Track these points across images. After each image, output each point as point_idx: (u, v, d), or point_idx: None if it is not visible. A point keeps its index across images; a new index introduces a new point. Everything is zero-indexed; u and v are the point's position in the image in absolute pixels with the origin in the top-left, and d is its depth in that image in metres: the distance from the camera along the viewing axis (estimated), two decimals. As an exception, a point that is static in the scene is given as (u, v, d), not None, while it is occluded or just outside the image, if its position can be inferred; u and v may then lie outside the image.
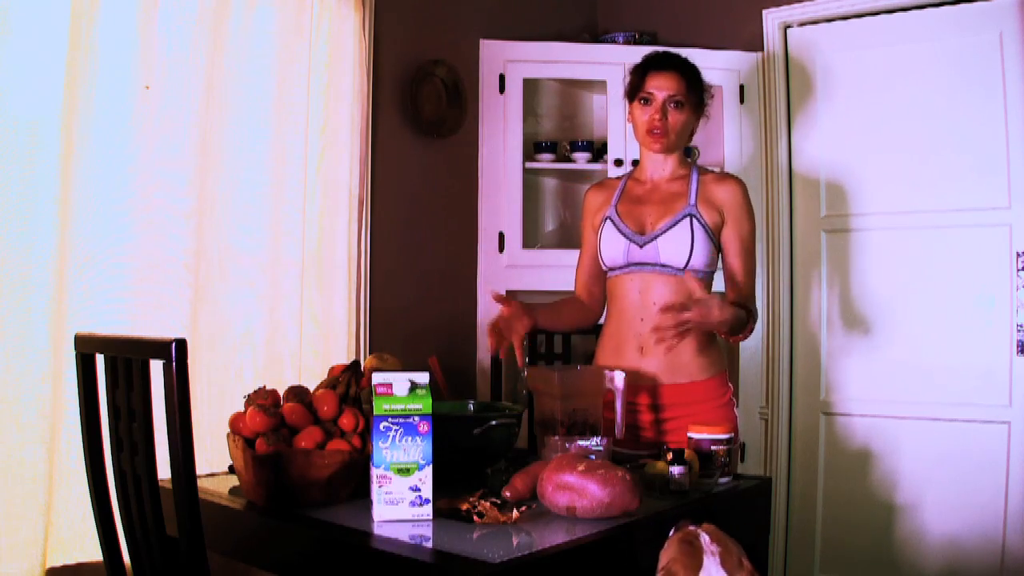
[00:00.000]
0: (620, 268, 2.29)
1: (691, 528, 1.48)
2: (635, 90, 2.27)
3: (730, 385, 2.34)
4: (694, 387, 2.25)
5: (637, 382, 2.25)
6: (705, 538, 1.44)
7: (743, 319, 2.14)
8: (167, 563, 1.62)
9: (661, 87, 2.23)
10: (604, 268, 2.35)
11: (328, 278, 2.75)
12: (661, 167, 2.33)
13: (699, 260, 2.22)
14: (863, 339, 3.26)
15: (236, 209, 2.51)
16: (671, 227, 2.22)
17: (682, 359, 2.24)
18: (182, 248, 2.35)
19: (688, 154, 3.03)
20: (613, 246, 2.29)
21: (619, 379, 2.12)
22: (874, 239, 3.25)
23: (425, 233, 3.16)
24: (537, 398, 2.21)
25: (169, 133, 2.32)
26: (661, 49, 2.36)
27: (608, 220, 2.31)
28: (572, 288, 3.45)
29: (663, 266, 2.23)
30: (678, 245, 2.21)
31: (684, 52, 2.35)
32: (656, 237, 2.23)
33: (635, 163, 3.35)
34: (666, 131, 2.23)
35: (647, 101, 2.24)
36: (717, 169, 2.48)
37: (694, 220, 2.22)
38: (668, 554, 1.45)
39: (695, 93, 2.26)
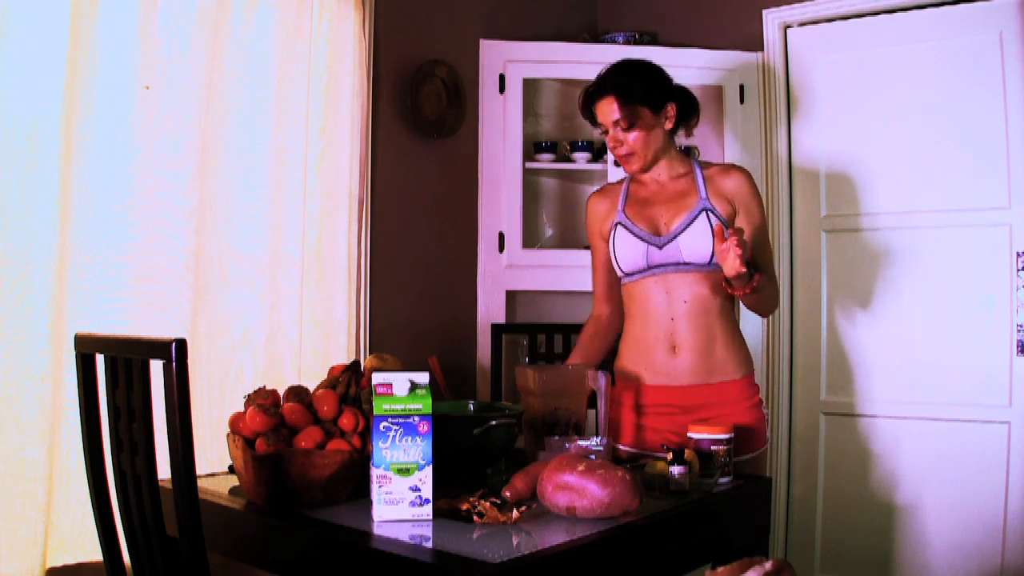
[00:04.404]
0: (640, 272, 2.24)
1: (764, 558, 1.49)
2: (593, 122, 2.28)
3: (758, 385, 2.31)
4: (726, 387, 2.22)
5: (669, 383, 2.23)
6: (769, 563, 1.43)
7: (764, 283, 2.13)
8: (167, 563, 1.62)
9: (604, 115, 2.22)
10: (621, 274, 2.29)
11: (328, 278, 2.75)
12: (661, 169, 2.29)
13: None
14: (863, 339, 3.26)
15: (236, 209, 2.51)
16: (689, 224, 2.19)
17: (715, 357, 2.21)
18: (182, 248, 2.35)
19: (688, 153, 3.02)
20: (630, 251, 2.23)
21: (602, 378, 2.10)
22: (874, 239, 3.25)
23: (425, 233, 3.16)
24: (522, 398, 2.20)
25: (169, 133, 2.32)
26: (605, 69, 2.28)
27: (619, 226, 2.26)
28: (573, 288, 3.49)
29: (686, 264, 2.19)
30: (699, 241, 2.18)
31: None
32: (676, 236, 2.19)
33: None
34: (631, 153, 2.23)
35: (605, 132, 2.25)
36: (717, 162, 2.45)
37: (710, 214, 2.20)
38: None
39: (645, 102, 2.19)
